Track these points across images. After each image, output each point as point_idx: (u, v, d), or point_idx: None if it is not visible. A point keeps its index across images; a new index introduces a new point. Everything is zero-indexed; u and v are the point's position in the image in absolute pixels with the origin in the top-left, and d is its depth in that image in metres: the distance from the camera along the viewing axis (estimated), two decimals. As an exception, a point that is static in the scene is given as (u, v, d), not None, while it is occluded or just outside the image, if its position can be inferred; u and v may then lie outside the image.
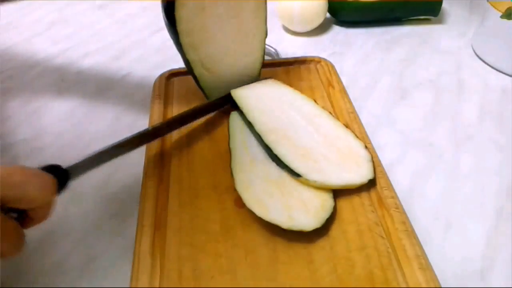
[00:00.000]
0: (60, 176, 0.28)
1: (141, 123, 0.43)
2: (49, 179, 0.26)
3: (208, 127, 0.40)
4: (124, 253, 0.32)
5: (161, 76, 0.46)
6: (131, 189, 0.37)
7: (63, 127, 0.44)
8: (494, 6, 0.49)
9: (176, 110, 0.42)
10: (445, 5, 0.64)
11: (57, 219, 0.35)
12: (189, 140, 0.39)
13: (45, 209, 0.27)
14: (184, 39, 0.36)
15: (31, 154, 0.41)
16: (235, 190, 0.34)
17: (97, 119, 0.45)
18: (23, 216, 0.26)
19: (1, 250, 0.24)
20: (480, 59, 0.53)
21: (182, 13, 0.34)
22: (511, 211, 0.34)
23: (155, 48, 0.56)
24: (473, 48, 0.55)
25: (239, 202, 0.33)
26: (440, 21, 0.62)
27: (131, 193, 0.36)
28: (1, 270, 0.31)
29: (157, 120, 0.40)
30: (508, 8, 0.47)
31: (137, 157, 0.39)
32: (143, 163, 0.36)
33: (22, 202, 0.25)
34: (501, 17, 0.48)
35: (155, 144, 0.38)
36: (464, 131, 0.42)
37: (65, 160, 0.40)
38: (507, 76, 0.50)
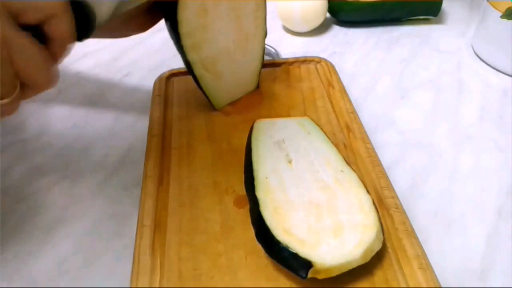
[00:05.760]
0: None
1: (141, 124, 0.43)
2: None
3: (208, 127, 0.40)
4: (124, 253, 0.32)
5: (161, 76, 0.46)
6: (131, 189, 0.37)
7: (63, 127, 0.44)
8: (494, 6, 0.49)
9: (176, 110, 0.42)
10: (445, 5, 0.64)
11: (57, 219, 0.35)
12: (189, 140, 0.39)
13: (61, 23, 0.25)
14: (185, 41, 0.36)
15: (31, 154, 0.41)
16: (234, 190, 0.34)
17: (97, 119, 0.45)
18: (42, 38, 0.25)
19: (33, 78, 0.24)
20: (480, 59, 0.53)
21: (184, 15, 0.34)
22: (511, 211, 0.34)
23: (155, 48, 0.56)
24: (473, 48, 0.55)
25: (239, 203, 0.33)
26: (440, 21, 0.62)
27: (131, 193, 0.36)
28: (1, 269, 0.31)
29: (157, 120, 0.40)
30: (508, 8, 0.47)
31: (137, 157, 0.39)
32: (143, 163, 0.36)
33: (28, 10, 0.23)
34: (501, 17, 0.48)
35: (155, 144, 0.38)
36: (464, 131, 0.42)
37: (65, 160, 0.40)
38: (507, 76, 0.50)
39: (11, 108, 0.25)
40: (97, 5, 0.29)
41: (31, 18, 0.24)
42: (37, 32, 0.25)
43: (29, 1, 0.23)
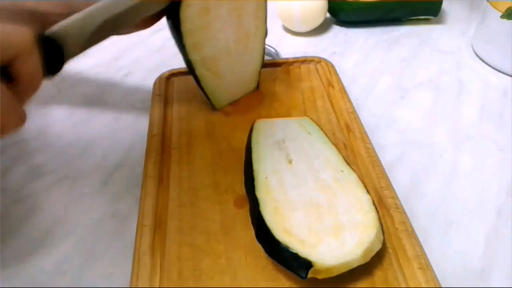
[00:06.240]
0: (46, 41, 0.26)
1: (141, 123, 0.43)
2: (21, 27, 0.23)
3: (208, 127, 0.40)
4: (124, 253, 0.32)
5: (161, 76, 0.46)
6: (131, 189, 0.37)
7: (63, 127, 0.44)
8: (494, 6, 0.49)
9: (176, 110, 0.42)
10: (445, 5, 0.64)
11: (57, 219, 0.35)
12: (189, 140, 0.39)
13: (29, 61, 0.24)
14: (187, 40, 0.36)
15: (31, 154, 0.41)
16: (234, 190, 0.34)
17: (97, 119, 0.45)
18: (9, 78, 0.24)
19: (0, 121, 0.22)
20: (480, 59, 0.53)
21: (187, 13, 0.34)
22: (511, 211, 0.34)
23: (155, 48, 0.56)
24: (473, 48, 0.55)
25: (239, 203, 0.33)
26: (440, 21, 0.62)
27: (131, 193, 0.36)
28: (1, 269, 0.31)
29: (157, 120, 0.40)
30: (508, 8, 0.47)
31: (137, 157, 0.39)
32: (143, 163, 0.36)
33: None
34: (501, 17, 0.48)
35: (155, 144, 0.38)
36: (464, 131, 0.42)
37: (65, 160, 0.40)
38: (507, 76, 0.50)
39: None
40: (68, 37, 0.27)
41: None
42: (3, 71, 0.24)
43: None
